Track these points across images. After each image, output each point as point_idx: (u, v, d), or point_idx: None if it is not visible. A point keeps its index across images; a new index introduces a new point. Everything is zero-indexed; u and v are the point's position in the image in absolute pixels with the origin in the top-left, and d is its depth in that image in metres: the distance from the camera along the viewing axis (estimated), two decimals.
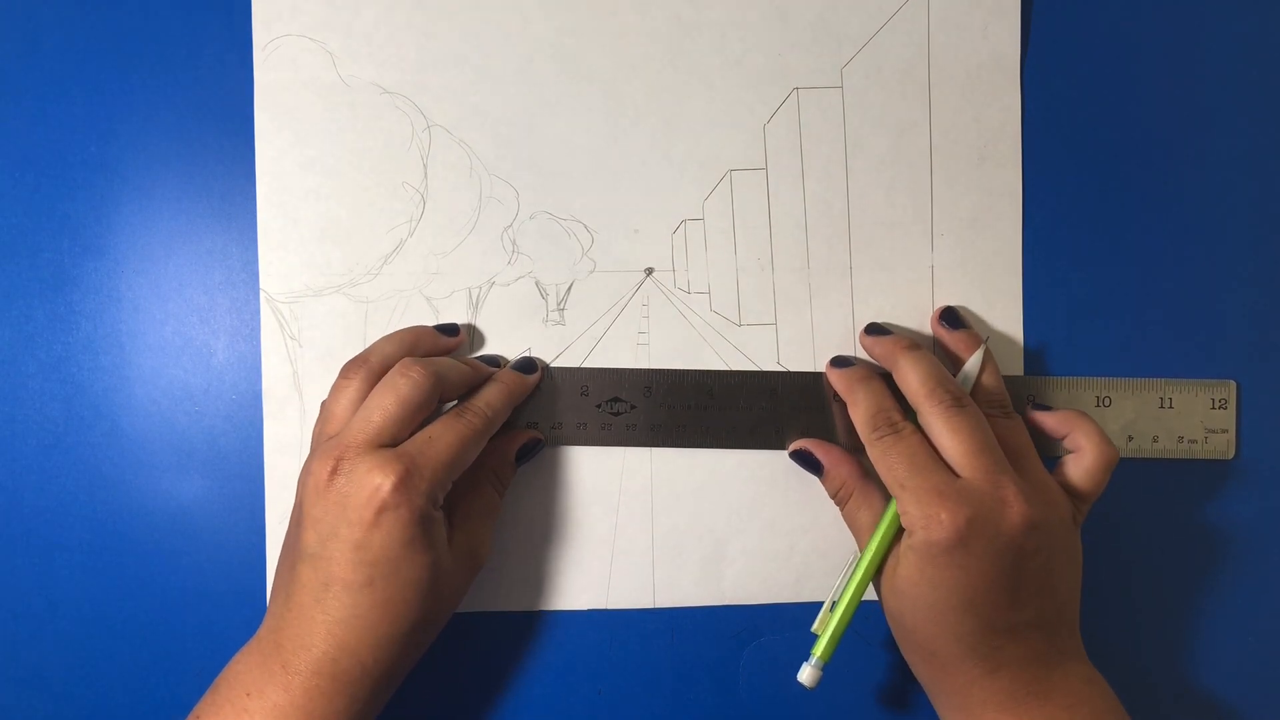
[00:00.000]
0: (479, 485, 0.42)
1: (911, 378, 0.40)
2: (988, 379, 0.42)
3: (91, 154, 0.45)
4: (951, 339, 0.43)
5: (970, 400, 0.39)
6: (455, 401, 0.42)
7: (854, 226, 0.45)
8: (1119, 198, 0.46)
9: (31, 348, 0.45)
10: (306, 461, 0.39)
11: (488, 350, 0.45)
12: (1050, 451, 0.43)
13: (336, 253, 0.45)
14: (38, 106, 0.45)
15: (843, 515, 0.42)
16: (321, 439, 0.40)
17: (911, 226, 0.45)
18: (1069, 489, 0.40)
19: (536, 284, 0.45)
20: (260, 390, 0.44)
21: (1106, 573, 0.45)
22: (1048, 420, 0.43)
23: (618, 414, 0.44)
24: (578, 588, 0.45)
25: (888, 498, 0.40)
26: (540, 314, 0.45)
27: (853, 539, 0.42)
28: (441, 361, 0.41)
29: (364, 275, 0.45)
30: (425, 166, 0.45)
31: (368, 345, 0.44)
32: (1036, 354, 0.45)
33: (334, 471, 0.37)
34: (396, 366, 0.40)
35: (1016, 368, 0.45)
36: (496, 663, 0.45)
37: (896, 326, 0.45)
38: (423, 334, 0.43)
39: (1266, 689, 0.46)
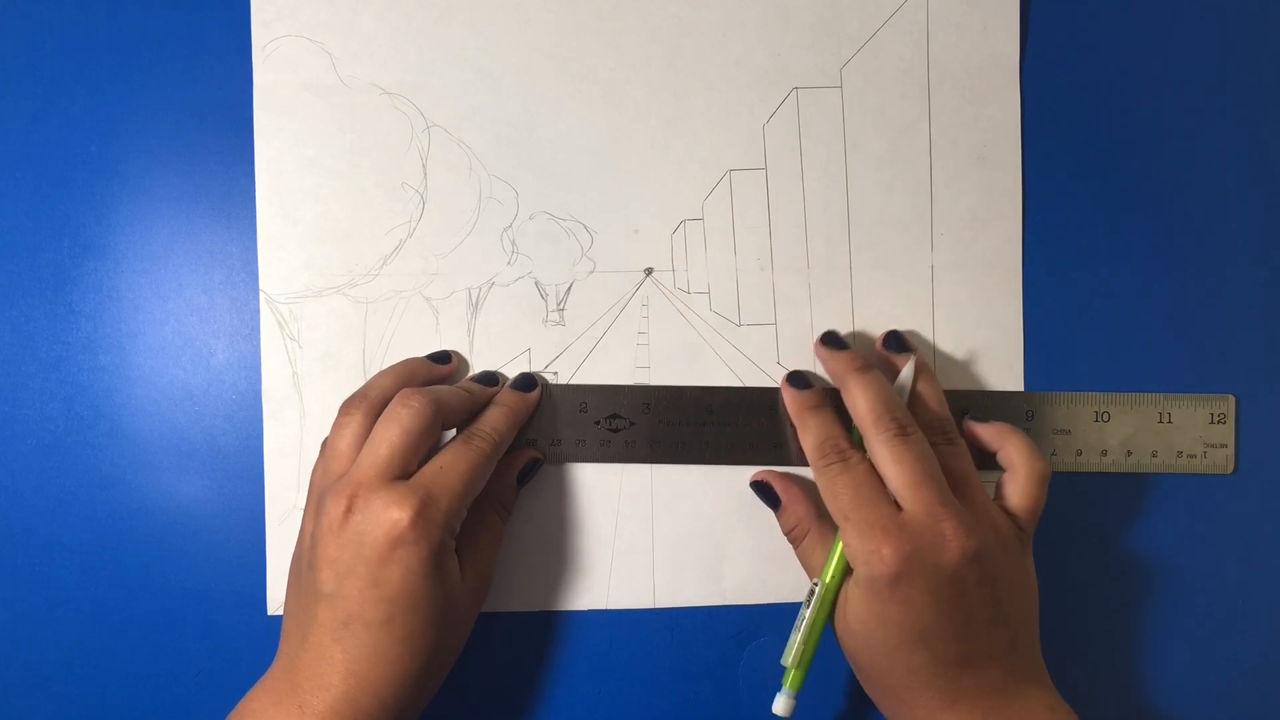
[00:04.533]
0: (483, 512, 0.42)
1: (859, 402, 0.40)
2: (929, 400, 0.42)
3: (91, 154, 0.45)
4: (897, 361, 0.43)
5: (916, 429, 0.39)
6: (455, 431, 0.42)
7: (853, 226, 0.45)
8: (1117, 203, 0.46)
9: (31, 348, 0.45)
10: (318, 500, 0.39)
11: (484, 352, 0.45)
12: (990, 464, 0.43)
13: (336, 253, 0.45)
14: (38, 106, 0.45)
15: (796, 554, 0.42)
16: (327, 478, 0.39)
17: (911, 226, 0.45)
18: (1009, 510, 0.40)
19: (536, 284, 0.45)
20: (260, 390, 0.45)
21: (1105, 588, 0.45)
22: (981, 433, 0.43)
23: (616, 430, 0.44)
24: (578, 588, 0.45)
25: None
26: (540, 314, 0.45)
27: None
28: (440, 389, 0.41)
29: (363, 276, 0.45)
30: (425, 167, 0.45)
31: (366, 345, 0.44)
32: (1035, 368, 0.45)
33: (349, 510, 0.37)
34: (396, 397, 0.39)
35: (1016, 383, 0.45)
36: (497, 663, 0.45)
37: (854, 339, 0.45)
38: (417, 366, 0.43)
39: (1270, 701, 0.45)
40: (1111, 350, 0.46)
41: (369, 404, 0.40)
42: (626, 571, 0.45)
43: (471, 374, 0.45)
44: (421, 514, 0.36)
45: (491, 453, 0.40)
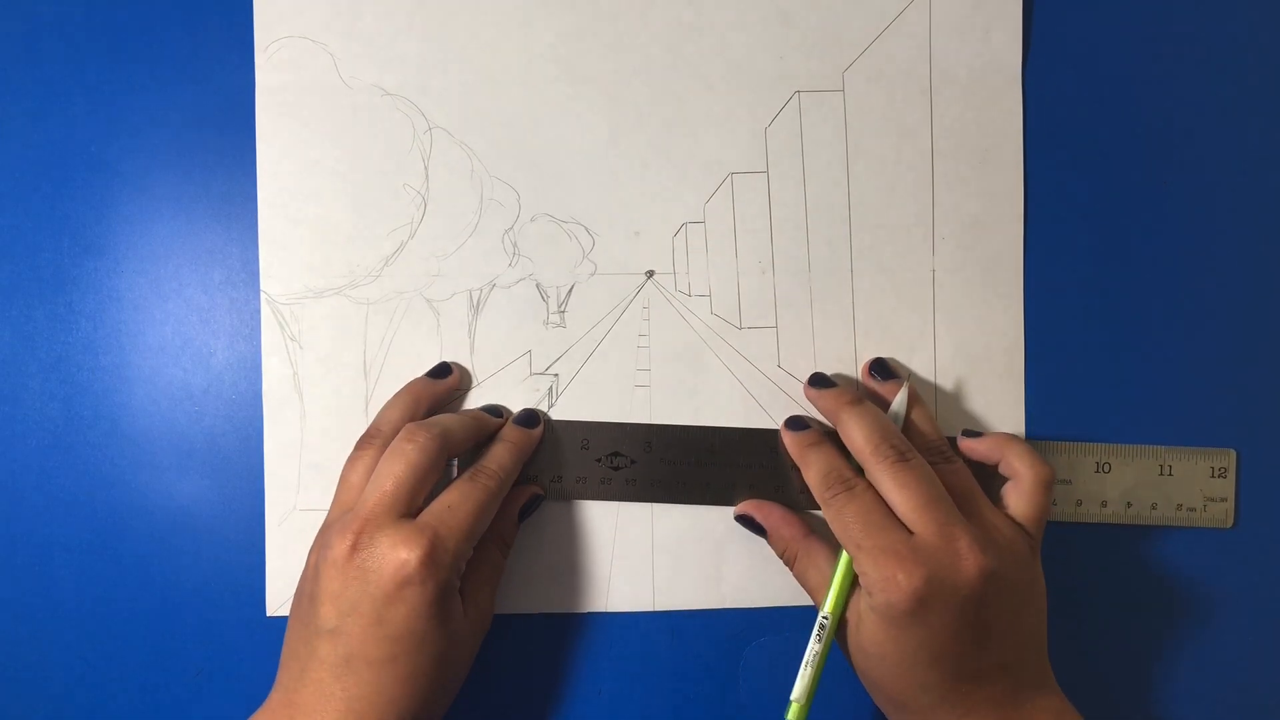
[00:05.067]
0: (485, 548, 0.41)
1: (855, 434, 0.40)
2: (922, 425, 0.42)
3: (91, 154, 0.45)
4: (884, 390, 0.43)
5: (915, 453, 0.39)
6: (455, 462, 0.42)
7: (855, 230, 0.45)
8: (1118, 207, 0.46)
9: (31, 348, 0.45)
10: (321, 534, 0.39)
11: (484, 354, 0.45)
12: (991, 484, 0.42)
13: (337, 254, 0.44)
14: (38, 106, 0.45)
15: (792, 574, 0.42)
16: (335, 510, 0.39)
17: (913, 230, 0.45)
18: (1015, 519, 0.40)
19: (537, 286, 0.45)
20: (260, 390, 0.44)
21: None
22: (978, 447, 0.42)
23: (618, 468, 0.44)
24: (578, 591, 0.45)
25: (833, 554, 0.40)
26: (541, 316, 0.45)
27: None
28: (445, 419, 0.41)
29: (365, 277, 0.45)
30: (426, 168, 0.45)
31: (367, 346, 0.44)
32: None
33: (354, 546, 0.37)
34: (401, 432, 0.39)
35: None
36: (497, 665, 0.45)
37: (841, 378, 0.45)
38: (420, 389, 0.43)
39: None
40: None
41: (383, 439, 0.40)
42: (626, 574, 0.45)
43: (477, 406, 0.45)
44: (430, 555, 0.36)
45: (498, 490, 0.40)
